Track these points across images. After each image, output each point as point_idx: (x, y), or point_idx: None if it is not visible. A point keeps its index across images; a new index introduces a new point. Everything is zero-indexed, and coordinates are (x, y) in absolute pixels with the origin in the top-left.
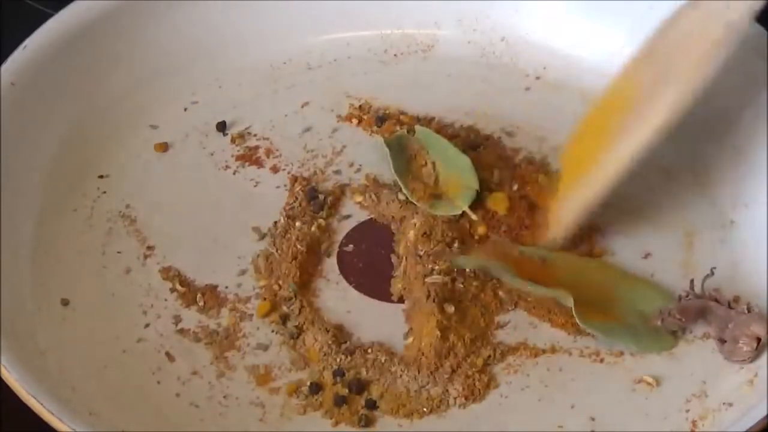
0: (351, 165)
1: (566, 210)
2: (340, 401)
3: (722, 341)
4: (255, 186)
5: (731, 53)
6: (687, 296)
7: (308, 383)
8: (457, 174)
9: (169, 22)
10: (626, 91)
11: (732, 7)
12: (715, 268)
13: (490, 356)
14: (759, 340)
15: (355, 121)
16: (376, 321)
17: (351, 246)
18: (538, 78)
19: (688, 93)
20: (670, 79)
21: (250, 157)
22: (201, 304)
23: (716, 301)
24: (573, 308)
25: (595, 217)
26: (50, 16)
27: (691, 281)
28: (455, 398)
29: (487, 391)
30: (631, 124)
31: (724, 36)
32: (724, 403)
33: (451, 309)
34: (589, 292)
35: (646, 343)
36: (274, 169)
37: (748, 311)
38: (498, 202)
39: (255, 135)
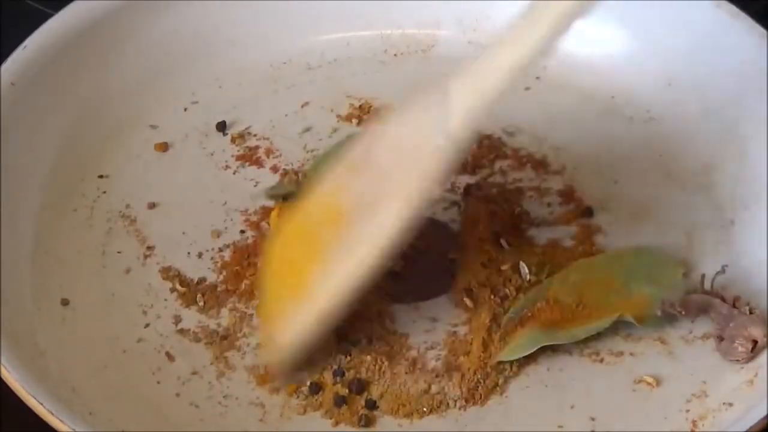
0: None
1: (286, 330)
2: (340, 401)
3: (720, 339)
4: (255, 186)
5: (451, 163)
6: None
7: (308, 383)
8: None
9: (169, 22)
10: (339, 203)
11: (450, 120)
12: (726, 265)
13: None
14: (755, 342)
15: (355, 121)
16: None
17: None
18: (538, 78)
19: (413, 206)
20: (393, 193)
21: (250, 157)
22: (201, 304)
23: (721, 299)
24: (636, 322)
25: (596, 217)
26: (50, 16)
27: (702, 276)
28: (455, 400)
29: (489, 395)
30: (353, 240)
31: (445, 147)
32: (724, 403)
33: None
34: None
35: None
36: (274, 169)
37: (750, 312)
38: None
39: (255, 135)
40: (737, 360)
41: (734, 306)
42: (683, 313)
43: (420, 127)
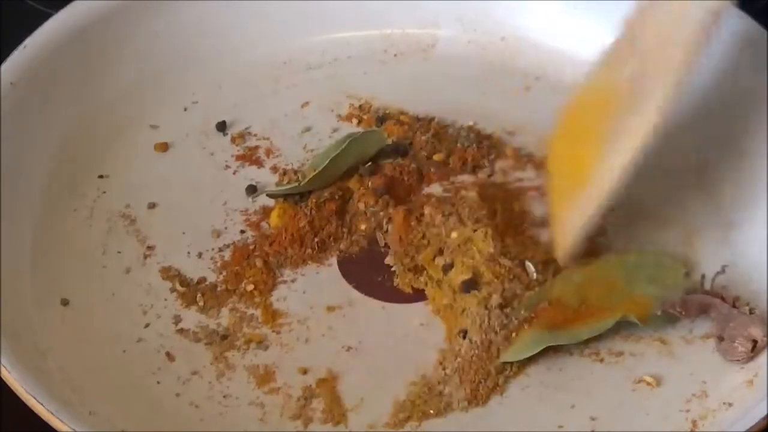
0: None
1: (570, 227)
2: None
3: (720, 339)
4: (255, 186)
5: (715, 37)
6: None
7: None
8: None
9: (169, 22)
10: (609, 87)
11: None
12: (726, 265)
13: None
14: (755, 342)
15: (355, 121)
16: (378, 321)
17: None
18: (538, 78)
19: (678, 83)
20: (657, 71)
21: (250, 157)
22: (201, 304)
23: (722, 299)
24: (639, 322)
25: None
26: (50, 16)
27: (702, 276)
28: (459, 401)
29: (490, 395)
30: (625, 125)
31: (706, 20)
32: (724, 403)
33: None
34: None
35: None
36: (274, 169)
37: (750, 313)
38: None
39: (255, 135)
40: (737, 360)
41: (734, 306)
42: (683, 313)
43: (679, 8)
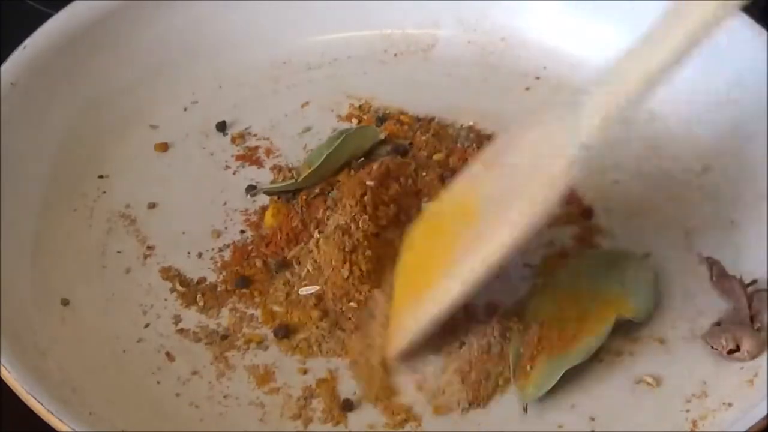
0: None
1: (406, 328)
2: (341, 402)
3: (718, 323)
4: (255, 185)
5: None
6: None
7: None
8: None
9: (169, 22)
10: (469, 202)
11: (584, 129)
12: (756, 280)
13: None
14: (736, 349)
15: (355, 121)
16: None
17: None
18: (538, 78)
19: (540, 211)
20: (521, 194)
21: (250, 157)
22: (201, 304)
23: (749, 303)
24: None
25: (596, 217)
26: (50, 16)
27: (753, 281)
28: (459, 402)
29: (491, 396)
30: (478, 239)
31: (577, 156)
32: (724, 403)
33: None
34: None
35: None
36: (275, 169)
37: (757, 329)
38: None
39: (255, 135)
40: (711, 346)
41: (752, 315)
42: (714, 277)
43: (554, 134)
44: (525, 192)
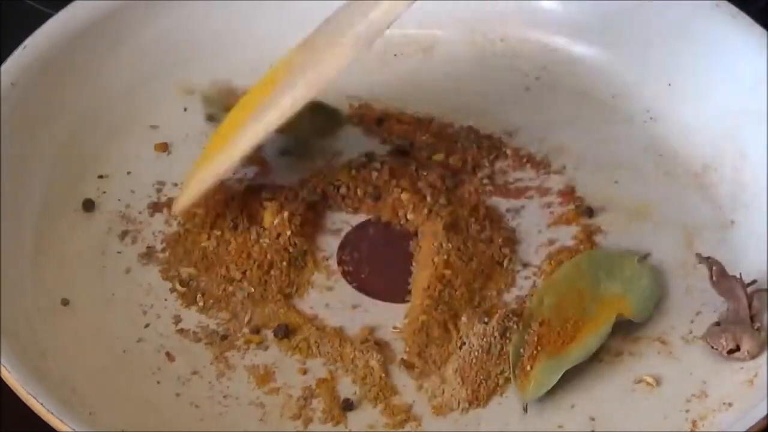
0: None
1: (198, 182)
2: (341, 402)
3: (717, 323)
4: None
5: (355, 58)
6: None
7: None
8: None
9: (168, 22)
10: (275, 74)
11: (364, 21)
12: (755, 280)
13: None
14: (736, 349)
15: (355, 120)
16: (379, 321)
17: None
18: (538, 78)
19: (316, 85)
20: (305, 70)
21: (250, 157)
22: (201, 304)
23: (749, 303)
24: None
25: (596, 217)
26: (50, 16)
27: (753, 281)
28: (459, 402)
29: (490, 395)
30: (265, 104)
31: (355, 43)
32: (724, 403)
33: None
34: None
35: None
36: None
37: (757, 329)
38: None
39: None
40: (711, 346)
41: (752, 314)
42: (714, 277)
43: (345, 20)
44: (313, 62)
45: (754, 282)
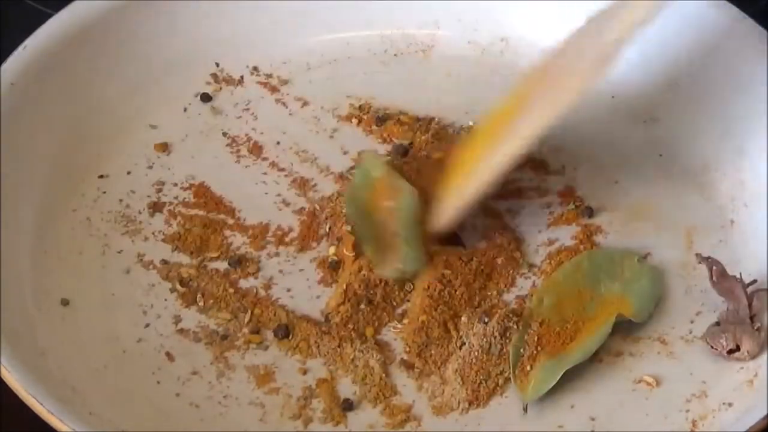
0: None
1: (446, 207)
2: (341, 402)
3: (717, 324)
4: (255, 185)
5: (605, 73)
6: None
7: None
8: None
9: (168, 22)
10: (517, 98)
11: (606, 35)
12: (755, 280)
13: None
14: (737, 349)
15: (355, 121)
16: None
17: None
18: None
19: (565, 103)
20: (553, 89)
21: (250, 157)
22: (201, 304)
23: (749, 303)
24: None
25: (596, 217)
26: (50, 16)
27: (753, 281)
28: (459, 402)
29: (491, 396)
30: (515, 125)
31: (601, 58)
32: (724, 403)
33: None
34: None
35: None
36: (273, 166)
37: (757, 329)
38: None
39: (255, 135)
40: (711, 347)
41: (752, 315)
42: (714, 277)
43: (590, 34)
44: (557, 85)
45: (754, 282)
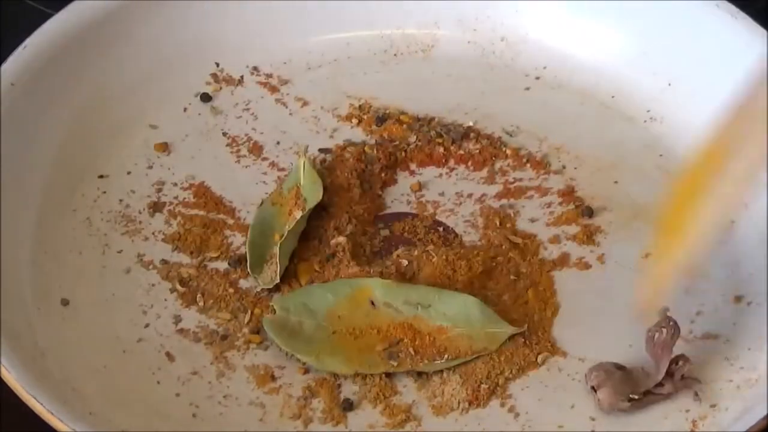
0: None
1: (662, 275)
2: (341, 402)
3: (622, 368)
4: (256, 185)
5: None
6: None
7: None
8: None
9: (168, 22)
10: (716, 149)
11: None
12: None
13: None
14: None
15: (355, 121)
16: None
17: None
18: (538, 78)
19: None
20: (754, 136)
21: (250, 158)
22: (201, 304)
23: (665, 378)
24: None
25: (596, 217)
26: (50, 16)
27: (684, 360)
28: (459, 401)
29: (491, 395)
30: (718, 182)
31: None
32: (724, 403)
33: None
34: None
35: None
36: (273, 166)
37: (631, 399)
38: None
39: (255, 135)
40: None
41: (646, 391)
42: (656, 338)
43: None
44: (759, 132)
45: (683, 361)
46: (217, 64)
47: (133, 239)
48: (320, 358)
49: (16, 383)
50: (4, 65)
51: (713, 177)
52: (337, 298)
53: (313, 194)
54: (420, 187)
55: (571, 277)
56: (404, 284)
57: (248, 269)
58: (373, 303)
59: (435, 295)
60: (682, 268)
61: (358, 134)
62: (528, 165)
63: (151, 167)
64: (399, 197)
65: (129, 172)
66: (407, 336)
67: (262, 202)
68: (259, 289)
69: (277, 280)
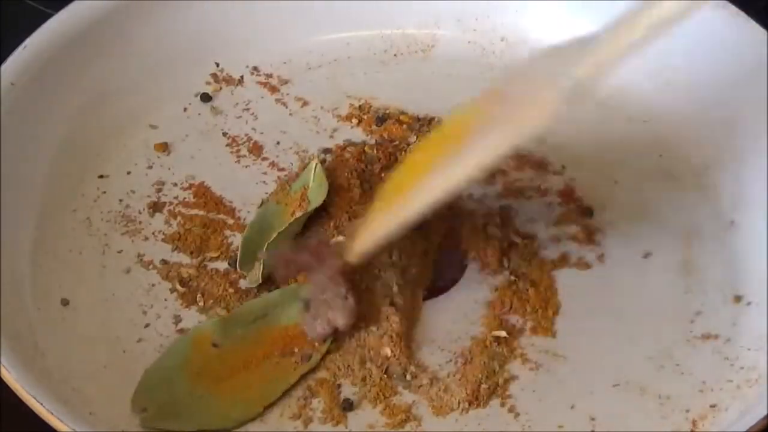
0: None
1: (372, 231)
2: (341, 402)
3: (307, 308)
4: (256, 185)
5: (568, 111)
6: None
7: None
8: None
9: (168, 22)
10: (459, 127)
11: (581, 65)
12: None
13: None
14: (336, 330)
15: (355, 121)
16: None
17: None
18: None
19: (517, 137)
20: (509, 117)
21: (250, 158)
22: (201, 304)
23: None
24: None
25: (596, 217)
26: (50, 16)
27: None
28: (459, 401)
29: (491, 395)
30: (457, 156)
31: (569, 92)
32: (724, 403)
33: None
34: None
35: None
36: (272, 166)
37: (346, 296)
38: None
39: (255, 135)
40: (309, 336)
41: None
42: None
43: (550, 65)
44: (513, 115)
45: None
46: (217, 64)
47: (133, 239)
48: (220, 417)
49: (16, 383)
50: (4, 65)
51: (446, 154)
52: (184, 358)
53: (318, 197)
54: None
55: (571, 277)
56: (233, 312)
57: (237, 266)
58: (215, 344)
59: (263, 303)
60: (391, 228)
61: (358, 134)
62: (528, 165)
63: (151, 167)
64: None
65: (129, 172)
66: (275, 348)
67: (262, 202)
68: (256, 289)
69: (260, 281)
